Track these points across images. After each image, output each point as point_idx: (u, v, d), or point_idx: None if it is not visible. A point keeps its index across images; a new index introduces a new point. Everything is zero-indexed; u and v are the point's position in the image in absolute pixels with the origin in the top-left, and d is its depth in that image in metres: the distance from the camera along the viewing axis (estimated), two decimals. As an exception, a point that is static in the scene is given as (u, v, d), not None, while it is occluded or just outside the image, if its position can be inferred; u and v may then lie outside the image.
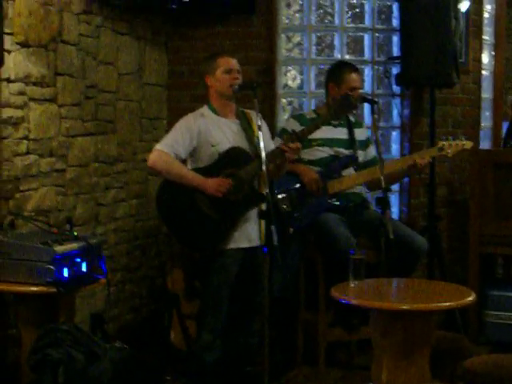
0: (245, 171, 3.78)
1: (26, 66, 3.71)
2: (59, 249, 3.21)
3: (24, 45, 3.68)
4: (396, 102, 5.29)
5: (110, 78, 4.55)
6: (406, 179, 5.08)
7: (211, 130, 3.88)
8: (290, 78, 5.58)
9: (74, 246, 3.32)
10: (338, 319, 4.41)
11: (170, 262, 4.60)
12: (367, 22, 5.29)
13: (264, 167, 3.50)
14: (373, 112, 4.01)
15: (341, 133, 4.52)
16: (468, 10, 5.37)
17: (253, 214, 3.82)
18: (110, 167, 4.56)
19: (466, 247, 5.09)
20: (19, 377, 3.35)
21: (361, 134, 4.60)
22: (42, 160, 3.88)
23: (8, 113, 3.60)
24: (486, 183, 4.93)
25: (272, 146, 3.96)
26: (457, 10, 4.92)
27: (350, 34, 5.38)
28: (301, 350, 4.53)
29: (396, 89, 5.22)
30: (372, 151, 4.56)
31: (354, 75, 4.44)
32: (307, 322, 4.51)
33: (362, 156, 4.54)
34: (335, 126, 4.49)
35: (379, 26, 5.32)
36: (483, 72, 5.71)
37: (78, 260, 3.33)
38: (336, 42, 5.30)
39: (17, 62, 3.63)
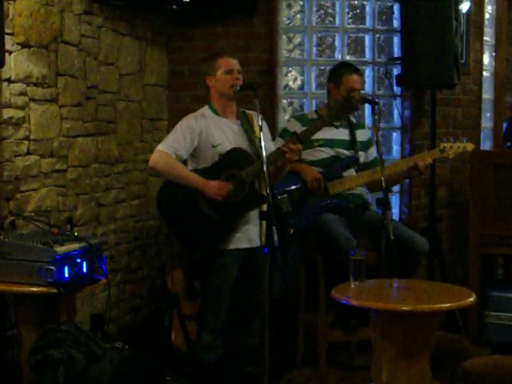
0: (246, 172, 3.78)
1: (27, 66, 3.71)
2: (60, 249, 3.21)
3: (25, 45, 3.69)
4: (397, 102, 5.29)
5: (111, 78, 4.55)
6: (406, 180, 5.08)
7: (212, 130, 3.87)
8: (290, 78, 5.58)
9: (74, 246, 3.32)
10: (339, 320, 4.42)
11: (170, 263, 4.60)
12: (368, 23, 5.29)
13: (265, 168, 3.50)
14: (373, 113, 4.01)
15: (342, 134, 4.52)
16: (469, 11, 5.38)
17: (253, 214, 3.82)
18: (110, 168, 4.57)
19: (466, 248, 5.09)
20: (19, 377, 3.35)
21: (362, 135, 4.60)
22: (42, 160, 3.88)
23: (9, 113, 3.60)
24: (486, 184, 4.94)
25: (272, 147, 3.96)
26: (458, 11, 4.92)
27: (351, 34, 5.38)
28: (301, 351, 4.53)
29: (397, 90, 5.22)
30: (373, 152, 4.56)
31: (353, 76, 4.43)
32: (307, 322, 4.51)
33: (363, 157, 4.54)
34: (337, 127, 4.49)
35: (380, 27, 5.32)
36: (484, 73, 5.71)
37: (79, 260, 3.33)
38: (337, 43, 5.30)
39: (18, 62, 3.63)
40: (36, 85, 3.79)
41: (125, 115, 4.70)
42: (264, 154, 3.52)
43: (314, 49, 5.28)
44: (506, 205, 4.93)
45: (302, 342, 4.54)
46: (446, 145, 4.34)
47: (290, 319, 4.50)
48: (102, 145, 4.45)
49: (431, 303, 3.26)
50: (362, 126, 4.70)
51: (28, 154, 3.76)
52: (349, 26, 5.30)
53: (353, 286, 3.45)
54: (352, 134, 4.54)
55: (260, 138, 3.55)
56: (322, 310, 4.32)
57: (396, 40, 5.28)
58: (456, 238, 5.42)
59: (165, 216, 3.93)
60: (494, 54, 5.83)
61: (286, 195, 4.33)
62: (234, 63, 3.92)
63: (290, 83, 5.57)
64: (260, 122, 3.61)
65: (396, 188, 5.20)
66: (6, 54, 3.46)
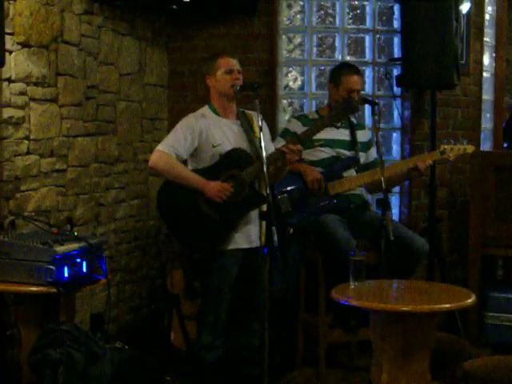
0: (246, 173, 3.77)
1: (27, 66, 3.71)
2: (60, 249, 3.21)
3: (25, 45, 3.69)
4: (397, 103, 5.30)
5: (111, 78, 4.55)
6: (406, 181, 5.08)
7: (212, 130, 3.87)
8: (290, 79, 5.58)
9: (74, 246, 3.32)
10: (338, 320, 4.42)
11: (170, 263, 4.60)
12: (368, 24, 5.30)
13: (265, 168, 3.50)
14: (373, 113, 4.00)
15: (343, 134, 4.52)
16: (469, 12, 5.38)
17: (253, 214, 3.82)
18: (110, 167, 4.57)
19: (466, 249, 5.09)
20: (19, 377, 3.34)
21: (363, 135, 4.60)
22: (42, 160, 3.88)
23: (9, 113, 3.60)
24: (486, 185, 4.94)
25: (272, 147, 3.96)
26: (458, 12, 4.92)
27: (351, 35, 5.38)
28: (301, 351, 4.53)
29: (397, 90, 5.23)
30: (373, 153, 4.56)
31: (353, 77, 4.43)
32: (307, 323, 4.51)
33: (363, 158, 4.54)
34: (337, 128, 4.48)
35: (380, 28, 5.33)
36: (484, 74, 5.71)
37: (79, 260, 3.33)
38: (337, 43, 5.30)
39: (18, 62, 3.64)
40: (36, 84, 3.79)
41: (125, 115, 4.70)
42: (264, 154, 3.52)
43: (315, 49, 5.29)
44: (506, 205, 4.93)
45: (301, 342, 4.54)
46: (446, 147, 4.35)
47: (289, 319, 4.50)
48: (102, 145, 4.46)
49: (431, 304, 3.25)
50: (362, 126, 4.70)
51: (28, 153, 3.76)
52: (349, 27, 5.30)
53: (353, 286, 3.45)
54: (353, 135, 4.54)
55: (260, 139, 3.55)
56: (322, 311, 4.32)
57: (396, 40, 5.28)
58: (456, 238, 5.42)
59: (165, 216, 3.93)
60: (494, 54, 5.83)
61: (286, 195, 4.33)
62: (234, 63, 3.92)
63: (290, 83, 5.57)
64: (260, 123, 3.61)
65: (396, 188, 5.20)
66: (6, 54, 3.46)
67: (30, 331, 3.29)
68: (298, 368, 4.49)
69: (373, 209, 4.58)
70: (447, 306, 3.28)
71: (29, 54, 3.71)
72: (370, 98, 4.53)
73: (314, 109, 5.15)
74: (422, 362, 3.24)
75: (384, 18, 5.37)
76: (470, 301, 3.26)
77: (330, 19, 5.44)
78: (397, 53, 5.26)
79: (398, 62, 5.13)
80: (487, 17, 5.70)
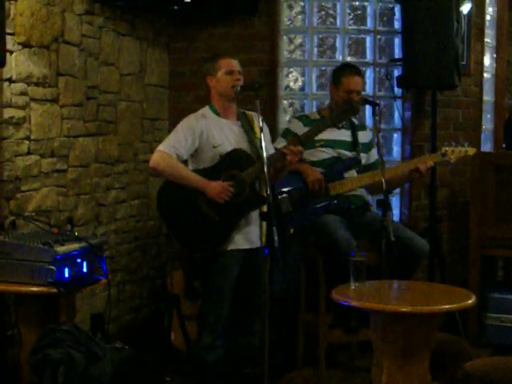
0: (246, 173, 3.78)
1: (28, 66, 3.71)
2: (60, 249, 3.21)
3: (26, 45, 3.69)
4: (397, 104, 5.30)
5: (112, 78, 4.55)
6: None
7: (213, 131, 3.87)
8: (291, 79, 5.59)
9: (74, 246, 3.32)
10: (339, 321, 4.42)
11: (171, 263, 4.60)
12: (369, 24, 5.30)
13: (266, 169, 3.50)
14: (374, 114, 4.01)
15: (344, 135, 4.52)
16: (470, 13, 5.38)
17: (254, 215, 3.82)
18: (111, 168, 4.57)
19: (466, 249, 5.09)
20: (19, 377, 3.34)
21: (364, 136, 4.60)
22: (43, 160, 3.88)
23: (9, 113, 3.60)
24: (486, 185, 4.94)
25: (272, 148, 3.96)
26: (459, 13, 4.92)
27: (352, 35, 5.39)
28: (301, 352, 4.53)
29: (397, 91, 5.22)
30: (374, 154, 4.56)
31: (353, 78, 4.43)
32: (307, 323, 4.51)
33: (364, 159, 4.55)
34: (339, 128, 4.49)
35: (381, 28, 5.33)
36: (485, 74, 5.71)
37: (79, 260, 3.33)
38: (338, 44, 5.30)
39: (18, 62, 3.64)
40: (37, 85, 3.79)
41: (125, 115, 4.70)
42: (264, 154, 3.52)
43: (315, 50, 5.29)
44: (507, 206, 4.93)
45: (302, 342, 4.54)
46: (447, 149, 4.35)
47: (290, 320, 4.50)
48: (102, 145, 4.46)
49: (431, 304, 3.25)
50: (363, 127, 4.70)
51: (28, 153, 3.76)
52: (350, 27, 5.30)
53: (353, 286, 3.45)
54: (354, 136, 4.54)
55: (260, 139, 3.55)
56: (323, 311, 4.32)
57: (397, 41, 5.28)
58: (456, 239, 5.42)
59: (165, 216, 3.93)
60: (494, 55, 5.83)
61: (286, 195, 4.33)
62: (234, 64, 3.92)
63: (291, 84, 5.58)
64: (261, 123, 3.61)
65: (396, 189, 5.19)
66: (7, 54, 3.46)
67: (31, 331, 3.29)
68: (298, 368, 4.49)
69: (373, 209, 4.58)
70: (447, 306, 3.28)
71: (30, 54, 3.71)
72: (371, 99, 4.54)
73: (314, 109, 5.14)
74: (422, 363, 3.24)
75: (385, 18, 5.37)
76: (470, 301, 3.26)
77: (331, 20, 5.44)
78: (397, 53, 5.26)
79: (398, 63, 5.12)
80: (488, 17, 5.70)
